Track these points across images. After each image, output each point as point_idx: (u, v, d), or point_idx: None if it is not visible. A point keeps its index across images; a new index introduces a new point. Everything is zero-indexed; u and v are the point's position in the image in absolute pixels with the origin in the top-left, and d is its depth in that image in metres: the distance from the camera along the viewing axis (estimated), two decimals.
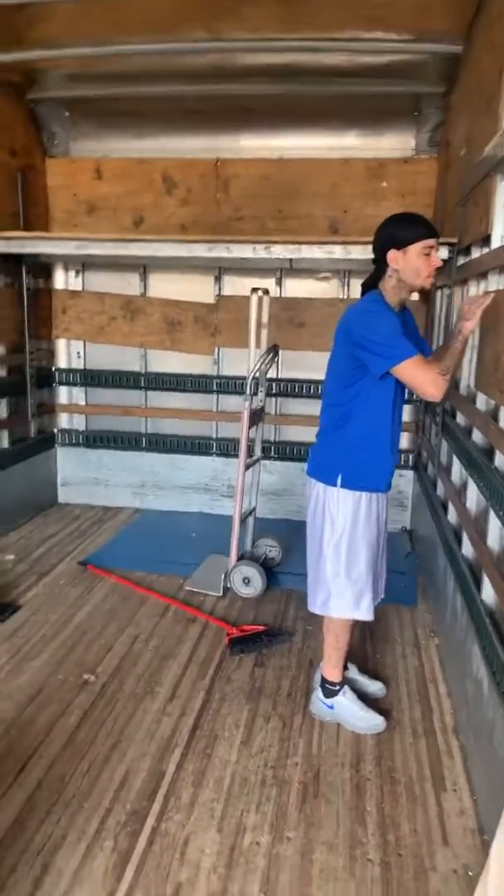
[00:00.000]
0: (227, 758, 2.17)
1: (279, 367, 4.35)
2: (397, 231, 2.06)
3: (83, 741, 2.23)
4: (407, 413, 4.41)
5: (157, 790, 2.02)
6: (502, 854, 1.09)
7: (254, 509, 3.64)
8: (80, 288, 4.61)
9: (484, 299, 2.06)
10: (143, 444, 4.70)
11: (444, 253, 3.16)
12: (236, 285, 4.40)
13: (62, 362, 4.73)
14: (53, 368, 4.70)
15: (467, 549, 2.51)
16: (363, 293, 2.19)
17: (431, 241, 2.04)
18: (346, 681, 2.40)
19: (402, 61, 3.53)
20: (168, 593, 3.33)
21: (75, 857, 1.76)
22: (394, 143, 4.20)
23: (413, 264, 2.04)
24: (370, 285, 2.17)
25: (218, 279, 4.45)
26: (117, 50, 3.45)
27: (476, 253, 2.72)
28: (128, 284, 4.55)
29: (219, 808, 1.96)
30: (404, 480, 4.39)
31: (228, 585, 3.36)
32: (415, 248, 2.03)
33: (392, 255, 2.05)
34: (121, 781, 2.05)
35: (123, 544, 4.04)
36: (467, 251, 2.92)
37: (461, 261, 3.04)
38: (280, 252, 3.41)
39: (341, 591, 2.25)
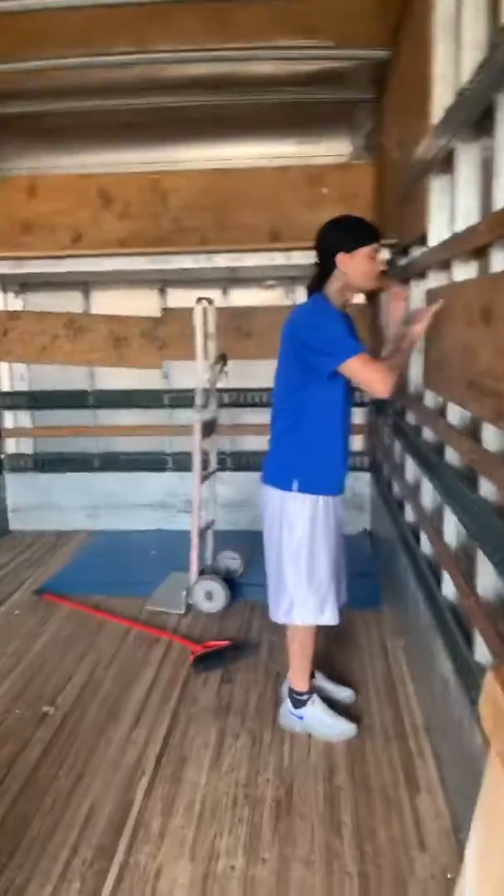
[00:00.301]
0: (197, 781, 2.10)
1: (230, 378, 4.32)
2: (346, 235, 2.07)
3: (45, 777, 2.12)
4: (359, 416, 4.43)
5: (124, 822, 1.93)
6: (477, 854, 1.06)
7: (212, 522, 3.59)
8: (20, 308, 4.50)
9: (434, 305, 2.08)
10: (96, 465, 4.59)
11: (385, 254, 3.20)
12: (181, 297, 4.35)
13: (5, 385, 4.60)
14: None
15: (426, 546, 2.51)
16: (309, 295, 2.18)
17: (377, 245, 2.08)
18: (313, 689, 2.36)
19: (333, 68, 3.58)
20: (129, 615, 3.24)
21: None
22: (331, 150, 4.25)
23: (361, 267, 2.07)
24: (315, 287, 2.16)
25: (162, 292, 4.40)
26: (40, 65, 3.38)
27: (415, 252, 2.75)
28: (70, 302, 4.46)
29: (190, 835, 1.88)
30: (361, 483, 4.40)
31: (190, 602, 3.29)
32: (363, 252, 2.06)
33: (341, 259, 2.06)
34: (86, 816, 1.96)
35: (80, 569, 3.92)
36: (406, 252, 2.95)
37: (402, 261, 3.07)
38: (222, 261, 3.39)
39: (304, 598, 2.21)
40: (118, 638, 3.04)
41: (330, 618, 2.25)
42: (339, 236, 2.08)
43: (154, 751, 2.25)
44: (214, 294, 4.23)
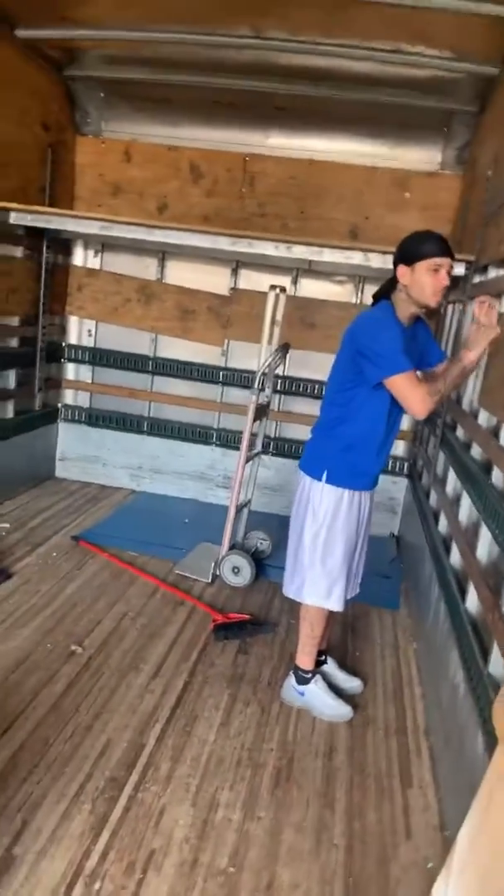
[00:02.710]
0: (206, 737, 2.25)
1: (286, 366, 4.42)
2: (409, 247, 2.11)
3: (67, 708, 2.29)
4: (406, 421, 4.47)
5: (136, 761, 2.09)
6: (467, 842, 1.17)
7: (249, 502, 3.71)
8: (97, 267, 4.65)
9: (491, 331, 2.05)
10: (145, 428, 4.75)
11: (460, 269, 3.24)
12: (252, 280, 4.45)
13: (73, 339, 4.77)
14: (64, 344, 4.74)
15: (455, 558, 2.59)
16: (374, 303, 2.25)
17: (439, 260, 2.05)
18: (318, 671, 2.49)
19: (439, 77, 3.59)
20: (158, 575, 3.40)
21: (54, 816, 1.83)
22: (420, 156, 4.26)
23: (420, 281, 2.07)
24: (381, 296, 2.23)
25: (234, 272, 4.50)
26: (158, 37, 3.48)
27: (493, 273, 2.79)
28: (145, 268, 4.60)
29: (194, 783, 2.03)
30: (397, 487, 4.47)
31: (218, 573, 3.43)
32: (422, 266, 2.06)
33: (401, 271, 2.10)
34: (102, 750, 2.12)
35: (117, 523, 4.09)
36: (484, 270, 2.98)
37: (477, 279, 3.11)
38: (301, 252, 3.47)
39: (315, 579, 2.35)
40: (147, 594, 3.20)
41: (335, 603, 2.36)
42: (403, 248, 2.12)
43: (169, 703, 2.40)
44: (285, 281, 4.33)
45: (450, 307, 3.81)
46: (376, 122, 4.19)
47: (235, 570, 3.41)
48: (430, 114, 4.09)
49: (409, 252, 2.10)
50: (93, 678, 2.48)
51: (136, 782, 2.00)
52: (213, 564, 3.43)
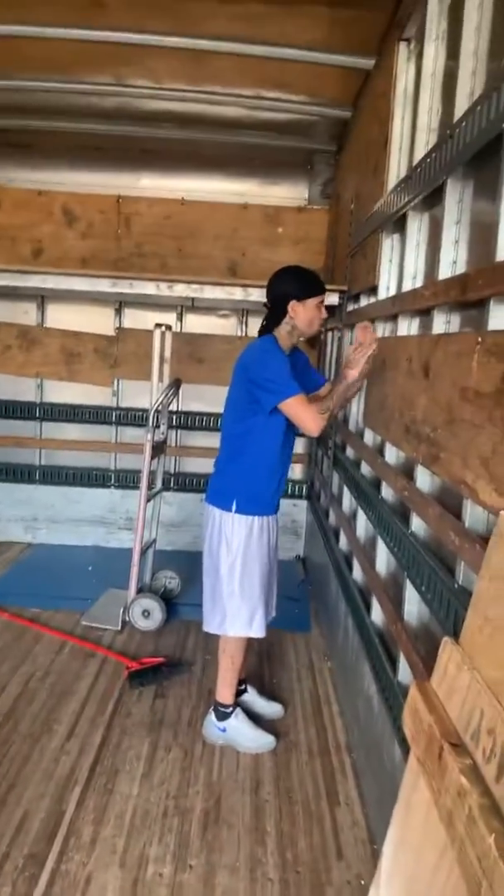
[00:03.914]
0: (129, 792, 2.17)
1: (179, 401, 4.44)
2: (300, 285, 2.29)
3: None
4: (300, 446, 4.62)
5: (56, 831, 1.97)
6: (392, 848, 1.20)
7: (154, 541, 3.66)
8: None
9: (368, 349, 2.22)
10: (37, 477, 4.59)
11: (334, 298, 3.41)
12: (137, 319, 4.46)
13: None
14: None
15: (357, 574, 2.68)
16: (260, 336, 2.37)
17: (324, 296, 2.31)
18: (237, 704, 2.48)
19: (298, 120, 3.82)
20: (64, 629, 3.26)
21: None
22: (289, 193, 4.49)
23: (308, 315, 2.29)
24: (266, 329, 2.36)
25: (119, 312, 4.49)
26: (16, 85, 3.47)
27: (364, 301, 2.96)
28: (24, 314, 4.49)
29: (121, 843, 1.95)
30: (297, 510, 4.57)
31: (127, 619, 3.34)
32: (312, 302, 2.28)
33: (293, 306, 2.27)
34: (18, 824, 1.99)
35: (15, 580, 3.91)
36: (356, 298, 3.16)
37: (350, 307, 3.29)
38: (183, 290, 3.53)
39: (236, 610, 2.36)
40: (53, 651, 3.06)
41: (258, 630, 2.40)
42: (293, 285, 2.30)
43: (87, 762, 2.29)
44: (170, 318, 4.38)
45: (329, 334, 3.99)
46: (244, 161, 4.38)
47: (145, 614, 3.33)
48: (293, 153, 4.34)
49: (302, 290, 2.29)
50: (2, 749, 2.33)
51: (58, 853, 1.89)
52: (121, 611, 3.34)
